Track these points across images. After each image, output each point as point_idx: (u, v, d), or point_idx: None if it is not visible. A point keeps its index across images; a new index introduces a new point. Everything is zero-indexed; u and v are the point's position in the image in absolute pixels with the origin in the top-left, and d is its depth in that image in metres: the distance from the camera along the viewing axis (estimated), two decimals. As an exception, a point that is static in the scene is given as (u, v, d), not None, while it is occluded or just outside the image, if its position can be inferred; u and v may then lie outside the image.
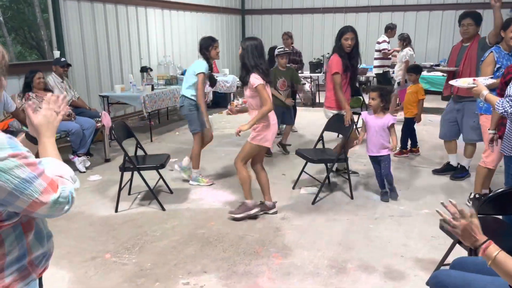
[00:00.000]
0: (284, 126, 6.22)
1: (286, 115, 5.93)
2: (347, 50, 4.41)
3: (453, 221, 1.68)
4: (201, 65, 4.46)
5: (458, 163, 4.91)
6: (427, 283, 2.82)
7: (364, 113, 4.27)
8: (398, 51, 8.24)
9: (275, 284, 2.88)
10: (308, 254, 3.25)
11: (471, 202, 4.00)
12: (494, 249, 1.62)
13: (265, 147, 3.82)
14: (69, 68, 5.92)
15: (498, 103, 2.56)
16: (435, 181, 4.82)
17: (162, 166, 4.11)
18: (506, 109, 2.51)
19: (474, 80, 2.85)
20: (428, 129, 7.26)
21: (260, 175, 3.93)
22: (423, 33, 11.12)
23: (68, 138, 5.10)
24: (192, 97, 4.52)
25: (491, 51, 3.81)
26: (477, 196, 3.97)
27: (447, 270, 2.11)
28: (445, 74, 7.03)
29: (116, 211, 4.03)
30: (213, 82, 4.84)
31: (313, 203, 4.19)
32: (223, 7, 11.46)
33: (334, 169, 4.73)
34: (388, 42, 8.36)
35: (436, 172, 5.04)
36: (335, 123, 4.55)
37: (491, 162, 3.81)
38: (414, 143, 5.82)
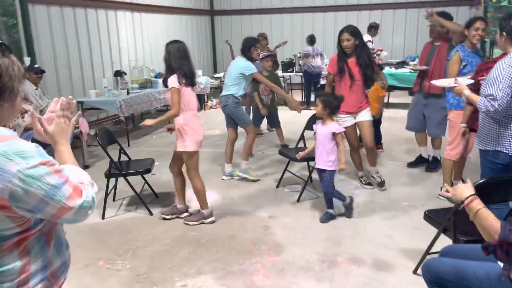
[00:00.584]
0: (263, 129, 6.39)
1: (274, 119, 6.07)
2: (346, 51, 4.32)
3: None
4: (249, 65, 4.69)
5: (429, 155, 5.18)
6: (414, 272, 3.01)
7: (318, 122, 3.93)
8: (381, 50, 8.51)
9: (270, 281, 2.97)
10: (299, 250, 3.36)
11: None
12: (477, 204, 1.82)
13: (194, 152, 3.70)
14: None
15: (480, 102, 2.72)
16: (410, 174, 5.05)
17: (148, 171, 4.13)
18: (488, 108, 2.67)
19: (455, 80, 3.02)
20: (399, 124, 7.54)
21: (176, 180, 3.93)
22: (388, 31, 11.49)
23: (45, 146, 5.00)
24: (238, 96, 4.73)
25: (457, 50, 4.01)
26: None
27: (439, 258, 2.26)
28: (412, 71, 7.36)
29: (103, 218, 4.01)
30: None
31: (298, 200, 4.31)
32: (192, 9, 11.45)
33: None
34: (372, 42, 8.61)
35: (410, 165, 5.28)
36: (314, 122, 4.67)
37: (455, 154, 4.05)
38: (378, 140, 5.93)
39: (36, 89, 5.49)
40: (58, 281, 1.39)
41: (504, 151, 2.77)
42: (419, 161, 5.26)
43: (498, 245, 1.71)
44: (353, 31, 4.32)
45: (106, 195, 4.04)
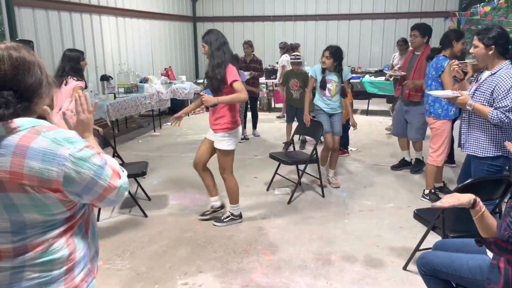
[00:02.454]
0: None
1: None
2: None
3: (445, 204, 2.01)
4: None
5: (411, 158, 5.44)
6: (404, 268, 3.17)
7: None
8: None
9: (269, 278, 3.08)
10: (294, 250, 3.48)
11: (428, 197, 4.42)
12: (482, 206, 1.98)
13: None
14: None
15: (492, 114, 2.83)
16: (394, 176, 5.27)
17: (144, 173, 4.18)
18: (502, 119, 2.82)
19: (458, 90, 3.15)
20: (379, 129, 7.82)
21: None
22: (367, 41, 11.84)
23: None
24: None
25: (447, 61, 4.13)
26: (433, 191, 4.41)
27: (432, 251, 2.42)
28: (390, 79, 7.66)
29: (98, 220, 4.03)
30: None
31: (289, 202, 4.44)
32: (176, 15, 11.51)
33: None
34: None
35: (394, 168, 5.52)
36: (304, 127, 4.84)
37: (440, 160, 4.28)
38: (345, 144, 6.19)
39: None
40: (94, 269, 1.47)
41: (505, 154, 2.97)
42: (403, 164, 5.51)
43: (493, 241, 1.88)
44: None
45: None
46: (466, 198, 1.98)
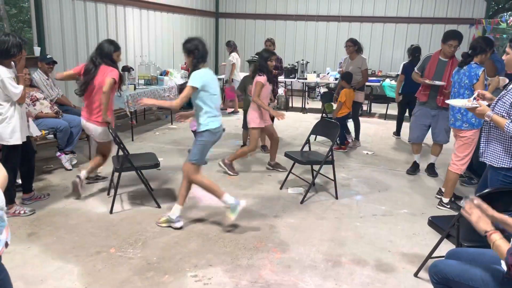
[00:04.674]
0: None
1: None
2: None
3: (468, 210, 2.05)
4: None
5: (431, 163, 5.48)
6: (415, 275, 3.14)
7: None
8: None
9: (278, 276, 3.08)
10: (304, 249, 3.48)
11: (448, 206, 4.35)
12: (496, 236, 1.95)
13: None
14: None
15: (508, 126, 2.75)
16: (409, 182, 5.21)
17: (157, 165, 4.21)
18: None
19: (477, 100, 3.05)
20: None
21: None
22: (389, 44, 11.71)
23: (55, 135, 5.06)
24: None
25: (483, 70, 4.04)
26: (452, 199, 4.36)
27: (445, 260, 2.39)
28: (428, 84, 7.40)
29: (111, 212, 4.02)
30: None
31: (302, 202, 4.43)
32: (198, 10, 11.56)
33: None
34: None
35: (409, 172, 5.50)
36: (321, 127, 4.83)
37: (464, 169, 4.22)
38: (342, 139, 6.47)
39: (47, 79, 5.56)
40: None
41: None
42: (416, 168, 5.54)
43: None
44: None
45: (116, 189, 4.08)
46: (482, 225, 2.01)
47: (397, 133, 7.68)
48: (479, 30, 10.52)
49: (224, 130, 3.87)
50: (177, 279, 2.99)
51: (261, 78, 5.08)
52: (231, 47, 9.37)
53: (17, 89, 3.56)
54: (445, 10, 11.18)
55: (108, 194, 4.47)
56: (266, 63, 5.17)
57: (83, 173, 4.36)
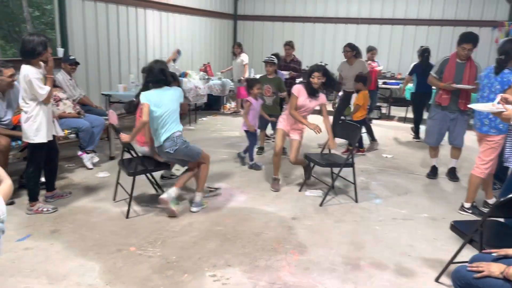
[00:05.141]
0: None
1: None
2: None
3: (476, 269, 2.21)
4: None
5: (452, 167, 5.42)
6: (436, 280, 3.10)
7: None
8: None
9: (296, 278, 3.07)
10: (323, 252, 3.46)
11: (470, 211, 4.28)
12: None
13: None
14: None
15: None
16: (429, 186, 5.14)
17: (169, 166, 4.23)
18: None
19: (503, 105, 2.98)
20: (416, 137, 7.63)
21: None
22: (409, 47, 11.55)
23: (77, 135, 5.15)
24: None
25: None
26: (474, 204, 4.28)
27: (468, 265, 2.35)
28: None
29: (127, 217, 3.96)
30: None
31: (321, 204, 4.40)
32: (217, 12, 11.64)
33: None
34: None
35: (429, 176, 5.45)
36: (341, 130, 4.81)
37: (488, 173, 4.14)
38: (361, 143, 6.46)
39: (70, 79, 5.66)
40: None
41: None
42: (436, 172, 5.49)
43: None
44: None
45: (131, 193, 3.99)
46: (495, 269, 2.13)
47: (416, 135, 7.59)
48: (502, 33, 10.32)
49: None
50: (196, 278, 3.01)
51: (297, 90, 4.66)
52: (241, 48, 9.41)
53: (44, 90, 3.64)
54: (467, 12, 11.00)
55: (114, 199, 4.32)
56: (309, 78, 4.62)
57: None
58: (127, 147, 4.09)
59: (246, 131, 5.52)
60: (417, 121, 7.63)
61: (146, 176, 4.33)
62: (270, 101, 5.97)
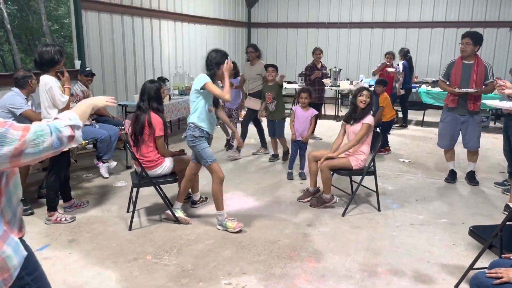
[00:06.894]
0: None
1: (277, 127, 6.13)
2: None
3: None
4: (201, 77, 3.93)
5: (471, 170, 5.33)
6: (456, 287, 3.03)
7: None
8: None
9: (312, 285, 3.05)
10: (339, 259, 3.42)
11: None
12: None
13: None
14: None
15: None
16: (448, 190, 5.05)
17: (176, 180, 4.14)
18: None
19: None
20: (434, 141, 7.50)
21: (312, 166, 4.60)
22: (425, 50, 11.46)
23: (93, 144, 5.24)
24: (200, 125, 3.93)
25: None
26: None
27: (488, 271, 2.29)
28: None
29: (130, 229, 3.91)
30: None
31: (343, 215, 4.29)
32: (231, 20, 11.73)
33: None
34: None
35: (447, 180, 5.36)
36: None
37: None
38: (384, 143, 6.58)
39: (87, 90, 5.77)
40: (12, 230, 1.56)
41: None
42: (454, 176, 5.39)
43: None
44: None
45: (134, 205, 3.97)
46: None
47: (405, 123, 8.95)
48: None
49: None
50: (211, 286, 3.01)
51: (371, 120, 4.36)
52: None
53: (64, 98, 3.80)
54: (483, 14, 10.84)
55: (128, 211, 4.30)
56: (355, 98, 4.43)
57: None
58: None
59: (293, 141, 5.47)
60: (405, 112, 9.05)
61: (156, 188, 4.27)
62: (273, 107, 6.02)
